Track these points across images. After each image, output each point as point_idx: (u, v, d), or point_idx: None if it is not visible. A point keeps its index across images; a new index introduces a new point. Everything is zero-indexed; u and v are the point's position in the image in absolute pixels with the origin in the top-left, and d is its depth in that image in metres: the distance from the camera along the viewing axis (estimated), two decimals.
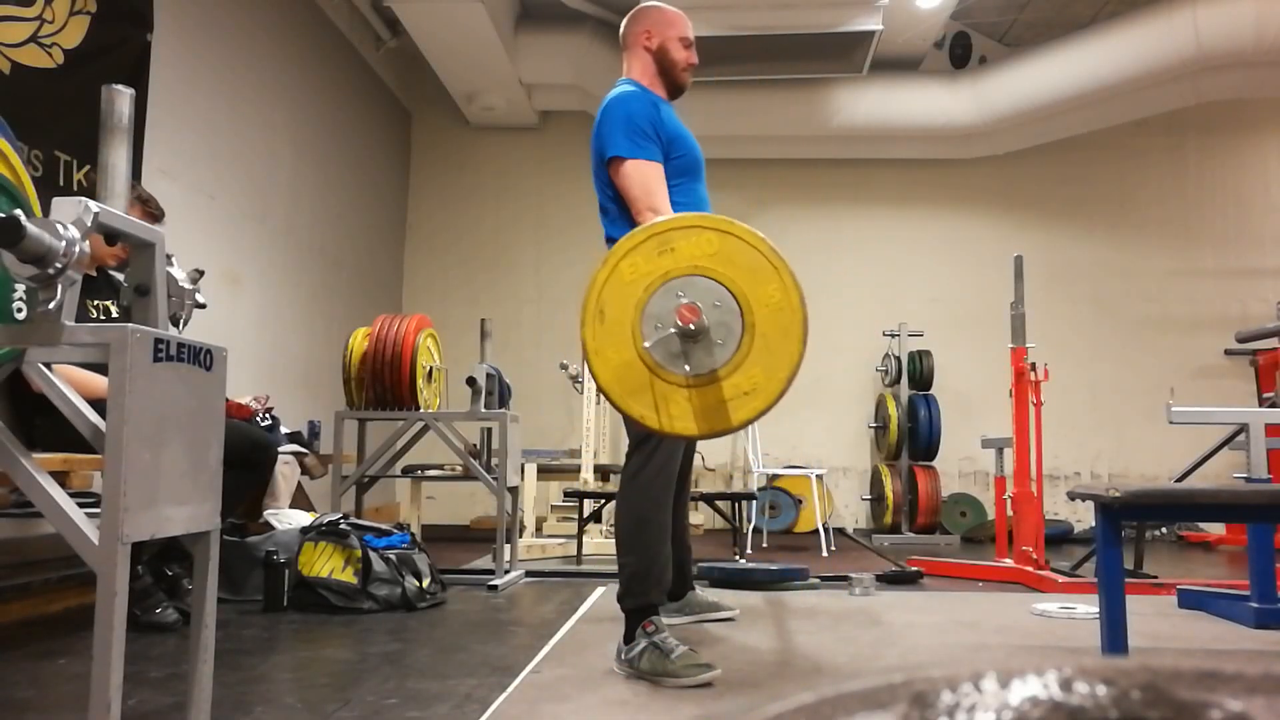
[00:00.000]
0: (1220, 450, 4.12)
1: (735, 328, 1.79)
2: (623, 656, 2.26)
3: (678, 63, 2.54)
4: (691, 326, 1.76)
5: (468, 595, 3.50)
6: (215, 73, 4.51)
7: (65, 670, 2.30)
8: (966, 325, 6.79)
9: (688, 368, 1.79)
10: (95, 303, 2.88)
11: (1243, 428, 3.25)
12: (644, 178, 2.30)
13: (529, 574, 4.05)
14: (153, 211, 2.88)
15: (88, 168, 3.44)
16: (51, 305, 1.35)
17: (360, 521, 3.44)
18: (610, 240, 2.43)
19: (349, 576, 3.15)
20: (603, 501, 4.67)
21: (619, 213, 2.40)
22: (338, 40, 5.94)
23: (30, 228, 1.27)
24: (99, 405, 1.41)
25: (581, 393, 5.33)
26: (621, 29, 2.62)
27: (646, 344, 1.79)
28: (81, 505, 1.42)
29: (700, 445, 4.20)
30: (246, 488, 3.22)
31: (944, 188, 7.09)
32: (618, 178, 2.33)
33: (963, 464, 6.77)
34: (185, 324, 1.64)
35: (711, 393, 1.79)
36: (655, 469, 2.33)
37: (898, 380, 6.46)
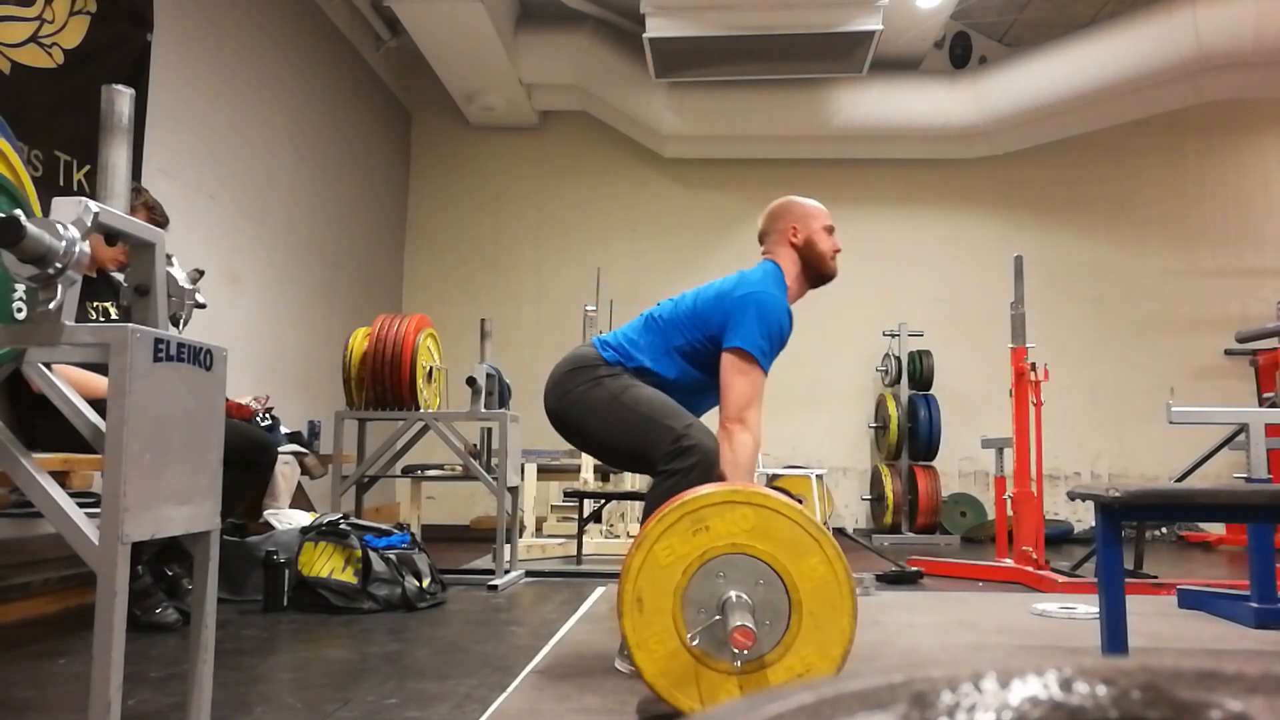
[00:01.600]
0: (1220, 450, 4.12)
1: (782, 607, 1.72)
2: (624, 653, 2.26)
3: (825, 254, 2.49)
4: (743, 651, 1.65)
5: (468, 595, 3.50)
6: (215, 73, 4.51)
7: (65, 670, 2.30)
8: (966, 325, 6.79)
9: (739, 661, 1.71)
10: (95, 304, 2.88)
11: (1243, 428, 3.25)
12: (754, 387, 2.27)
13: (529, 574, 4.05)
14: (158, 219, 2.88)
15: (88, 168, 3.44)
16: (51, 305, 1.35)
17: (360, 521, 3.44)
18: (610, 349, 2.43)
19: (349, 576, 3.15)
20: (603, 501, 4.67)
21: (671, 354, 2.38)
22: (338, 40, 5.94)
23: (30, 228, 1.27)
24: (99, 405, 1.41)
25: None
26: (761, 224, 2.58)
27: (690, 637, 1.72)
28: (81, 505, 1.42)
29: None
30: (246, 488, 3.22)
31: (944, 188, 7.09)
32: (732, 366, 2.28)
33: (963, 464, 6.77)
34: (185, 324, 1.64)
35: (761, 679, 1.72)
36: (694, 482, 2.29)
37: (898, 380, 6.46)
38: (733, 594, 1.71)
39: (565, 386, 2.43)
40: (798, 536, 1.74)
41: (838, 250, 2.53)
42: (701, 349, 2.37)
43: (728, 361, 2.30)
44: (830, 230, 2.53)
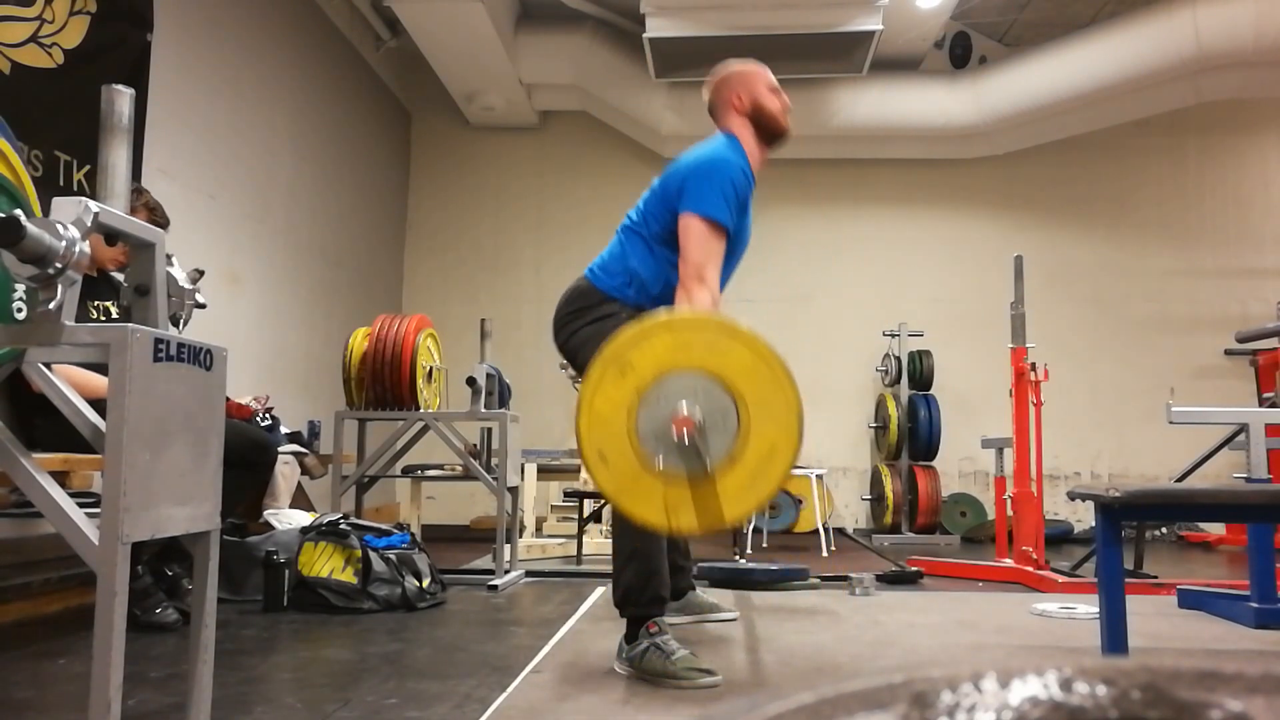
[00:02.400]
0: (1220, 450, 4.12)
1: (726, 404, 1.79)
2: (624, 656, 2.26)
3: (774, 112, 2.48)
4: (687, 441, 1.75)
5: (468, 595, 3.50)
6: (215, 73, 4.51)
7: (65, 670, 2.30)
8: (966, 325, 6.79)
9: (709, 464, 1.78)
10: (96, 304, 2.88)
11: (1243, 428, 3.25)
12: (710, 246, 2.26)
13: (529, 574, 4.05)
14: (158, 219, 2.88)
15: (88, 168, 3.44)
16: (51, 305, 1.35)
17: (360, 521, 3.44)
18: (608, 272, 2.43)
19: (349, 576, 3.15)
20: (603, 501, 4.66)
21: (653, 249, 2.38)
22: (338, 40, 5.94)
23: (30, 228, 1.27)
24: (99, 405, 1.41)
25: None
26: (706, 99, 2.57)
27: (662, 463, 1.79)
28: (81, 505, 1.42)
29: None
30: (246, 488, 3.22)
31: (944, 188, 7.09)
32: (686, 229, 2.28)
33: (963, 464, 6.77)
34: (185, 324, 1.64)
35: (740, 471, 1.79)
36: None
37: (898, 380, 6.46)
38: (682, 405, 1.78)
39: (570, 326, 2.48)
40: (713, 339, 1.82)
41: (787, 107, 2.52)
42: (674, 228, 2.36)
43: (682, 225, 2.29)
44: (775, 90, 2.52)
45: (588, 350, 2.39)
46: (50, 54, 3.34)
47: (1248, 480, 2.91)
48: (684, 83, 6.35)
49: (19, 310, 1.54)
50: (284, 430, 3.90)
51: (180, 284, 1.61)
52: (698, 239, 2.26)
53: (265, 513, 3.57)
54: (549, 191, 7.27)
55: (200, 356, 1.51)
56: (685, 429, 1.74)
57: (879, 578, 3.89)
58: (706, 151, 2.37)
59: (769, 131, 2.48)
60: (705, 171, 2.31)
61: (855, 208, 7.18)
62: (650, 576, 2.29)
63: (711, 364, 1.79)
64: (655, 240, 2.39)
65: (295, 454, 3.86)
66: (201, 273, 1.71)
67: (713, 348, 1.80)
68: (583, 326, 2.43)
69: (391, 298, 7.02)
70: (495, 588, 3.62)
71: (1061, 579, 3.78)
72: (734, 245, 2.39)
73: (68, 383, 1.49)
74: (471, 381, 3.89)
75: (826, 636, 2.74)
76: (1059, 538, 5.91)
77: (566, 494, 5.53)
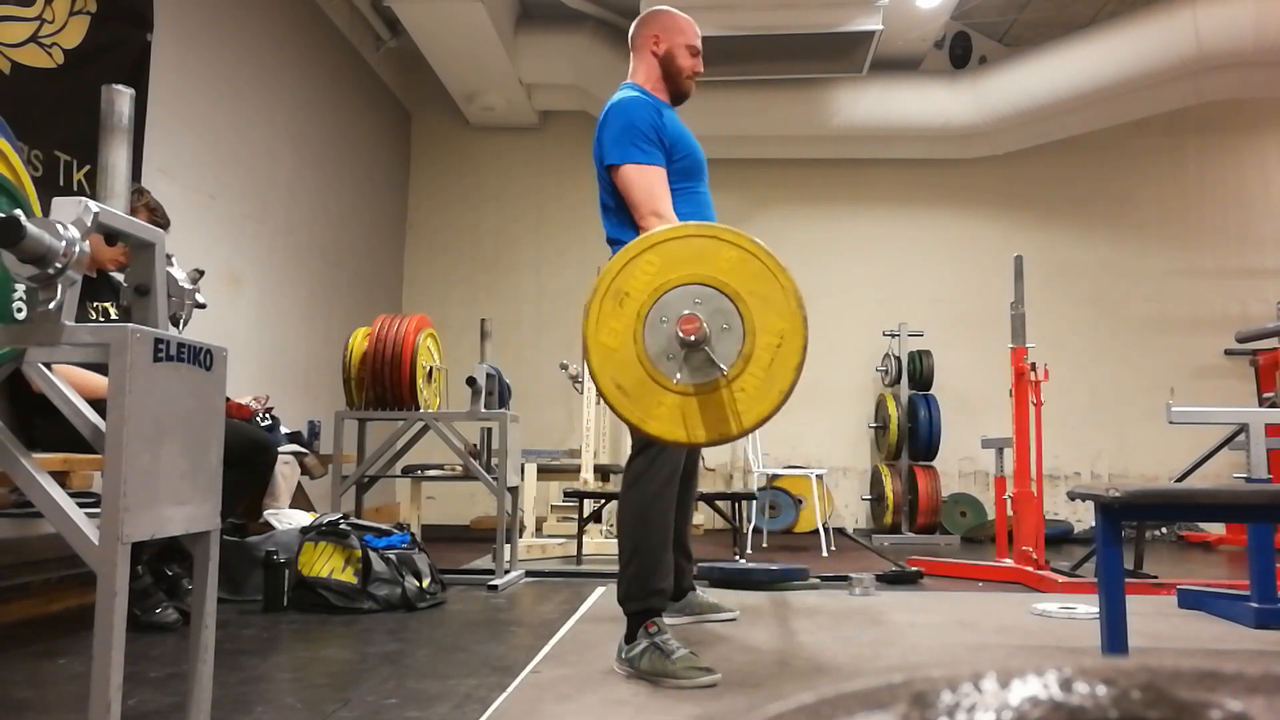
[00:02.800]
0: (1220, 450, 4.11)
1: (726, 306, 1.81)
2: (623, 656, 2.26)
3: (683, 69, 2.54)
4: (694, 337, 1.77)
5: (468, 595, 3.50)
6: (215, 73, 4.51)
7: (65, 670, 2.30)
8: (966, 325, 6.79)
9: (724, 367, 1.80)
10: (95, 304, 2.88)
11: (1243, 428, 3.25)
12: (647, 182, 2.30)
13: (529, 574, 4.05)
14: (159, 220, 2.88)
15: (88, 168, 3.44)
16: (51, 305, 1.35)
17: (360, 521, 3.44)
18: (612, 241, 2.44)
19: (349, 576, 3.15)
20: (603, 501, 4.67)
21: (621, 214, 2.40)
22: (338, 40, 5.94)
23: (30, 228, 1.27)
24: (99, 405, 1.41)
25: (581, 393, 5.32)
26: (631, 31, 2.62)
27: (679, 379, 1.80)
28: (81, 505, 1.42)
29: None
30: (246, 488, 3.22)
31: (944, 188, 7.09)
32: (620, 183, 2.33)
33: (963, 464, 6.77)
34: (185, 324, 1.64)
35: (755, 368, 1.80)
36: (660, 472, 2.32)
37: (898, 380, 6.46)
38: (684, 312, 1.80)
39: None
40: (700, 246, 1.84)
41: (697, 72, 2.58)
42: (616, 194, 2.39)
43: (615, 181, 2.34)
44: (694, 51, 2.57)
45: None
46: (50, 54, 3.34)
47: (1248, 480, 2.91)
48: None
49: (19, 310, 1.54)
50: (284, 430, 3.90)
51: (180, 284, 1.61)
52: (633, 184, 2.30)
53: (265, 513, 3.57)
54: (549, 191, 7.27)
55: (200, 356, 1.51)
56: (692, 329, 1.76)
57: (879, 578, 3.88)
58: (607, 107, 2.42)
59: (672, 85, 2.55)
60: (610, 125, 2.36)
61: (855, 208, 7.18)
62: (653, 569, 2.29)
63: (702, 271, 1.81)
64: (619, 209, 2.41)
65: (295, 454, 3.86)
66: (201, 273, 1.71)
67: (700, 255, 1.83)
68: None
69: (391, 298, 7.02)
70: (495, 588, 3.62)
71: (1061, 579, 3.78)
72: (691, 165, 2.44)
73: (68, 383, 1.49)
74: (471, 381, 3.89)
75: (826, 636, 2.74)
76: (1059, 538, 5.91)
77: (566, 494, 5.53)
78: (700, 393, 1.80)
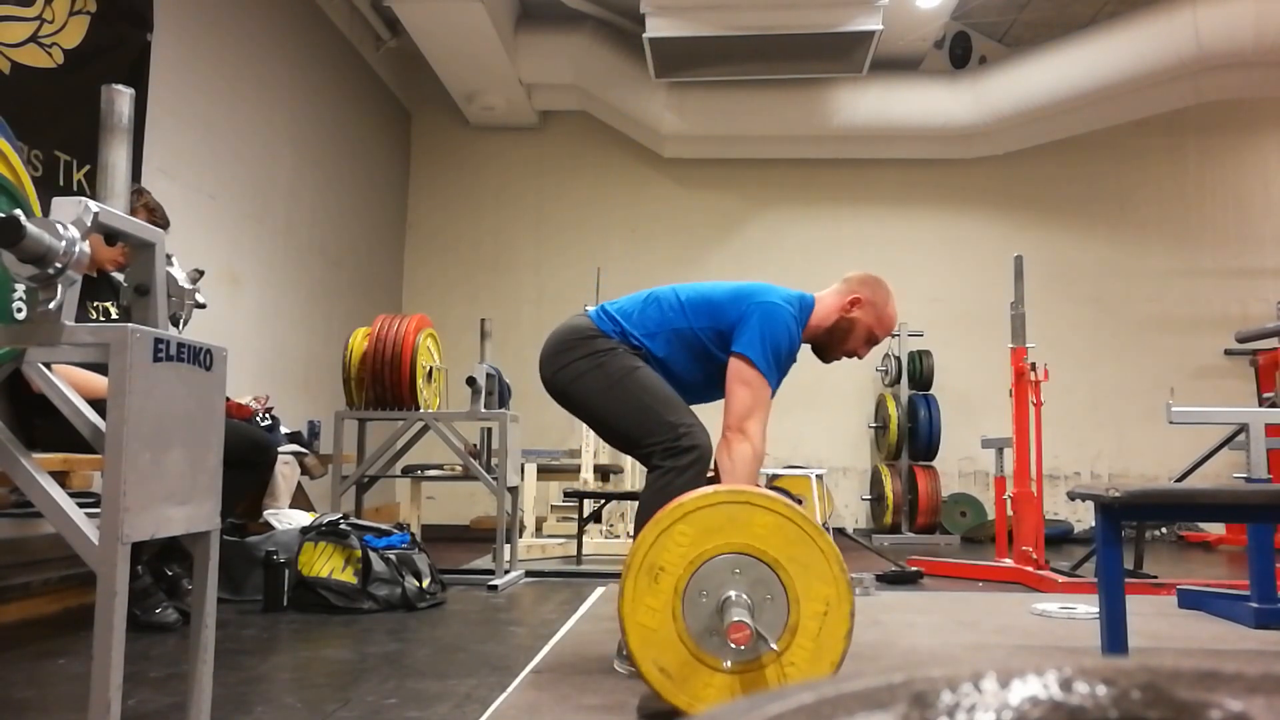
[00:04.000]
0: (1220, 450, 4.12)
1: (767, 574, 1.73)
2: (623, 654, 2.26)
3: (844, 345, 2.46)
4: (744, 647, 1.66)
5: (468, 595, 3.50)
6: (215, 73, 4.51)
7: (65, 670, 2.30)
8: (966, 325, 6.79)
9: (774, 645, 1.72)
10: (96, 304, 2.88)
11: (1243, 428, 3.25)
12: (758, 398, 2.23)
13: (529, 574, 4.05)
14: (158, 220, 2.88)
15: (88, 168, 3.44)
16: (51, 305, 1.35)
17: (360, 521, 3.44)
18: (608, 320, 2.39)
19: (349, 576, 3.15)
20: (603, 501, 4.67)
21: (670, 336, 2.35)
22: (338, 40, 5.94)
23: (30, 228, 1.27)
24: (99, 405, 1.41)
25: None
26: (848, 275, 2.53)
27: (729, 666, 1.73)
28: (81, 505, 1.42)
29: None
30: (246, 488, 3.22)
31: (944, 188, 7.09)
32: (736, 373, 2.25)
33: (963, 464, 6.77)
34: (185, 324, 1.64)
35: (803, 638, 1.73)
36: (689, 482, 2.29)
37: (898, 380, 6.46)
38: (730, 610, 1.70)
39: (563, 360, 2.39)
40: (732, 513, 1.76)
41: (859, 356, 2.50)
42: (704, 337, 2.34)
43: (733, 367, 2.27)
44: (872, 342, 2.48)
45: (583, 383, 2.33)
46: (50, 54, 3.34)
47: (1248, 480, 2.91)
48: (684, 83, 6.35)
49: (19, 310, 1.54)
50: (284, 430, 3.90)
51: (180, 284, 1.61)
52: (746, 389, 2.23)
53: (265, 513, 3.57)
54: (549, 191, 7.27)
55: (200, 356, 1.51)
56: (742, 637, 1.65)
57: (879, 578, 3.88)
58: (779, 300, 2.33)
59: (829, 342, 2.46)
60: (767, 321, 2.27)
61: (855, 208, 7.17)
62: None
63: (738, 540, 1.73)
64: (675, 335, 2.36)
65: (295, 454, 3.86)
66: (201, 273, 1.71)
67: (734, 521, 1.74)
68: (576, 360, 2.37)
69: (391, 298, 7.02)
70: (495, 588, 3.62)
71: (1061, 579, 3.78)
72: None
73: (68, 383, 1.49)
74: (471, 381, 3.89)
75: None
76: (1059, 538, 5.91)
77: (566, 494, 5.53)
78: (749, 669, 1.73)
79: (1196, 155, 7.04)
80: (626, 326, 2.39)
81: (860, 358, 2.52)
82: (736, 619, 1.66)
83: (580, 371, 2.35)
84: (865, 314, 2.45)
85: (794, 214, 7.11)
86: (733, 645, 1.65)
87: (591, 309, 2.50)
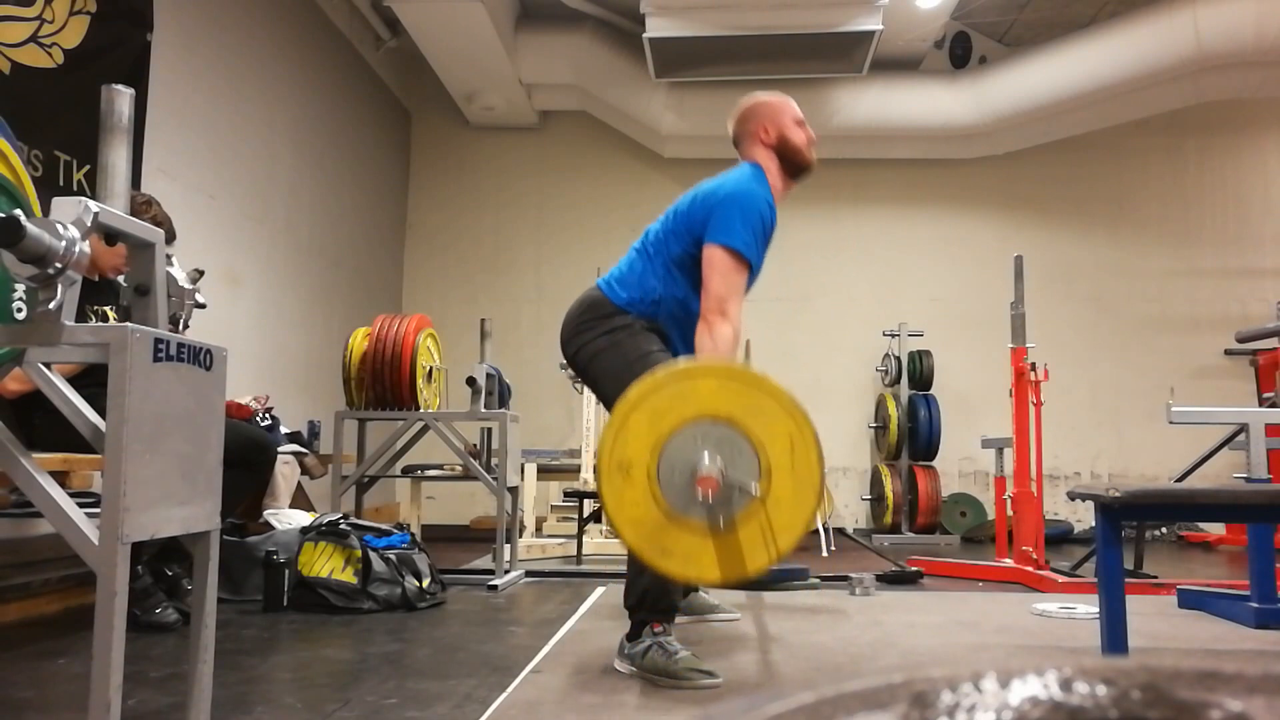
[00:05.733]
0: (1220, 450, 4.12)
1: (725, 433, 1.78)
2: (625, 652, 2.26)
3: (800, 146, 2.49)
4: (713, 496, 1.73)
5: (468, 595, 3.50)
6: (215, 73, 4.51)
7: (65, 670, 2.30)
8: (966, 325, 6.79)
9: (753, 489, 1.77)
10: (95, 308, 2.88)
11: (1243, 428, 3.25)
12: (733, 281, 2.25)
13: (529, 574, 4.05)
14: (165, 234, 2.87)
15: (88, 168, 3.44)
16: (51, 305, 1.35)
17: (360, 521, 3.44)
18: (622, 301, 2.39)
19: (349, 576, 3.15)
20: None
21: (670, 268, 2.36)
22: (338, 40, 5.94)
23: (30, 228, 1.27)
24: (99, 405, 1.40)
25: (581, 393, 5.33)
26: (731, 129, 2.55)
27: (724, 524, 1.78)
28: (81, 505, 1.42)
29: None
30: (246, 488, 3.22)
31: (944, 188, 7.09)
32: (711, 261, 2.26)
33: (963, 464, 6.77)
34: (186, 325, 1.64)
35: (780, 481, 1.78)
36: None
37: (898, 380, 6.46)
38: (701, 460, 1.77)
39: (581, 339, 2.41)
40: (677, 390, 1.82)
41: (813, 140, 2.53)
42: (695, 254, 2.34)
43: (708, 256, 2.28)
44: (800, 122, 2.53)
45: (600, 363, 2.37)
46: (50, 54, 3.34)
47: (1248, 480, 2.91)
48: (684, 83, 6.35)
49: (19, 310, 1.54)
50: (284, 430, 3.90)
51: (180, 284, 1.61)
52: (722, 271, 2.24)
53: (265, 513, 3.57)
54: (549, 191, 7.27)
55: (200, 356, 1.51)
56: (709, 486, 1.72)
57: (879, 578, 3.89)
58: (735, 182, 2.35)
59: (793, 165, 2.48)
60: (734, 203, 2.29)
61: (855, 208, 7.17)
62: (669, 583, 2.27)
63: (689, 411, 1.79)
64: (675, 264, 2.36)
65: (295, 454, 3.86)
66: (201, 273, 1.71)
67: (681, 397, 1.80)
68: (595, 338, 2.38)
69: (391, 298, 7.02)
70: (495, 588, 3.62)
71: (1061, 579, 3.78)
72: (750, 278, 2.38)
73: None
74: (471, 381, 3.89)
75: (826, 636, 2.74)
76: (1059, 538, 5.91)
77: (566, 494, 5.53)
78: (748, 521, 1.78)
79: (1196, 155, 7.04)
80: (632, 295, 2.40)
81: (815, 140, 2.55)
82: (701, 474, 1.73)
83: (597, 350, 2.37)
84: (774, 125, 2.50)
85: (794, 214, 7.07)
86: (703, 497, 1.73)
87: (600, 279, 2.51)
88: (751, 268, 2.30)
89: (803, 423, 1.78)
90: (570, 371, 5.51)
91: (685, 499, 1.77)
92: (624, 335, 2.35)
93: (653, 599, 2.27)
